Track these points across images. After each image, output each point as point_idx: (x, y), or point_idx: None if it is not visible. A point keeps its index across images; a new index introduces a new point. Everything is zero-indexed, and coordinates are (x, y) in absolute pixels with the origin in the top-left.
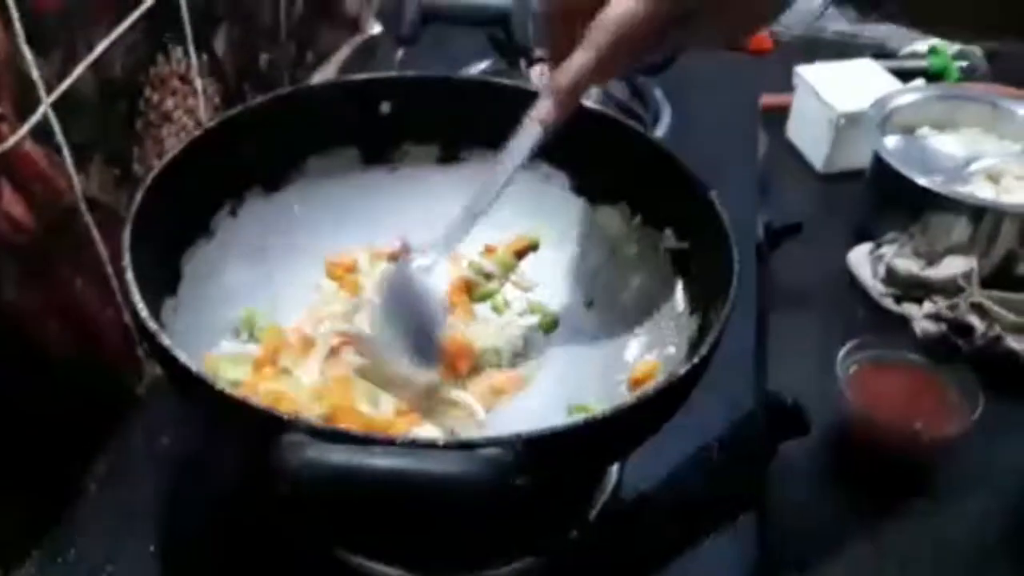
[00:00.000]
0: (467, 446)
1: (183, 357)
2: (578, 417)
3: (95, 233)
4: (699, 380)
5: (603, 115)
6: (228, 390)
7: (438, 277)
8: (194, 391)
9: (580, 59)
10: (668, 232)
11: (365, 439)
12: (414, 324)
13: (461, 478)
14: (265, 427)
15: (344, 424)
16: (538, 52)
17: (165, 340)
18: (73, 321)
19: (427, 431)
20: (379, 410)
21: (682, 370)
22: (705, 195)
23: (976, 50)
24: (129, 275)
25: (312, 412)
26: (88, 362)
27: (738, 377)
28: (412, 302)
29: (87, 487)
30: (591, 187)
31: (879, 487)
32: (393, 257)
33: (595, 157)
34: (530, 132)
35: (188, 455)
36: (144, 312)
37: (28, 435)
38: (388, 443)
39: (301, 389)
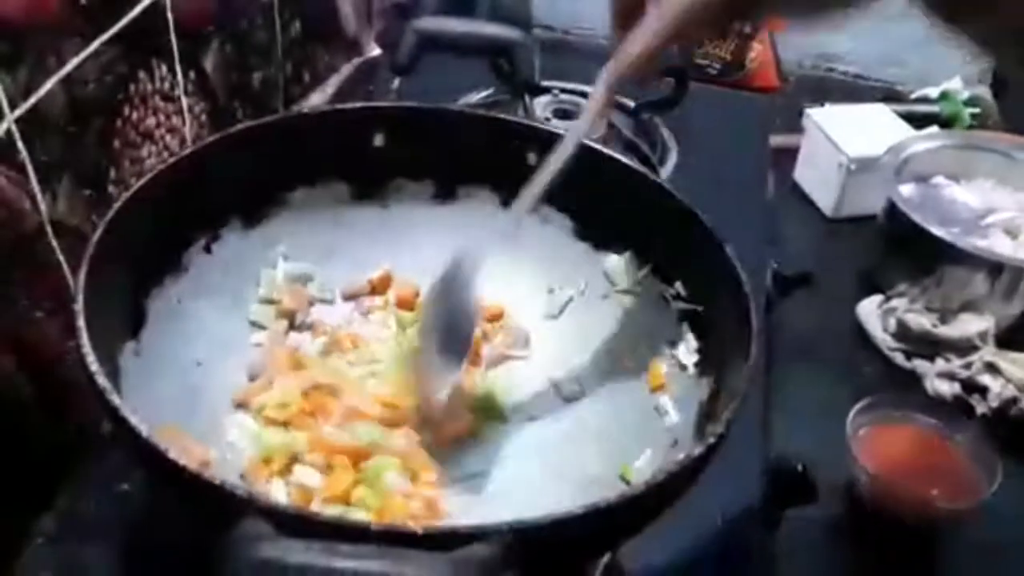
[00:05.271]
0: (450, 536)
1: (134, 420)
2: (577, 505)
3: (61, 259)
4: (713, 459)
5: (612, 158)
6: (183, 462)
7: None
8: (145, 458)
9: (651, 21)
10: (678, 285)
11: (336, 528)
12: (452, 322)
13: None
14: (222, 508)
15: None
16: (542, 83)
17: (115, 400)
18: (30, 356)
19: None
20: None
21: (696, 450)
22: (723, 253)
23: (987, 95)
24: (80, 322)
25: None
26: (46, 401)
27: (743, 438)
28: (454, 300)
29: (34, 543)
30: (596, 233)
31: (891, 557)
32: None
33: (602, 201)
34: (583, 119)
35: (149, 509)
36: (94, 366)
37: None
38: (360, 534)
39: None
